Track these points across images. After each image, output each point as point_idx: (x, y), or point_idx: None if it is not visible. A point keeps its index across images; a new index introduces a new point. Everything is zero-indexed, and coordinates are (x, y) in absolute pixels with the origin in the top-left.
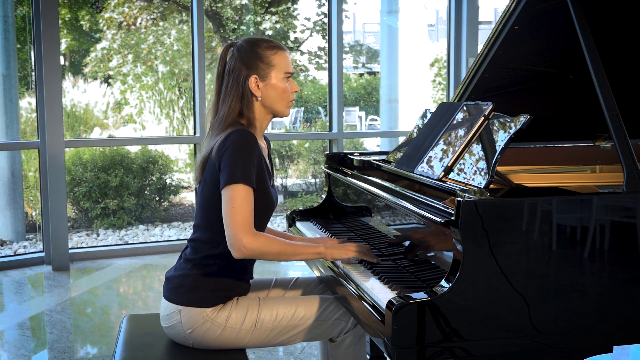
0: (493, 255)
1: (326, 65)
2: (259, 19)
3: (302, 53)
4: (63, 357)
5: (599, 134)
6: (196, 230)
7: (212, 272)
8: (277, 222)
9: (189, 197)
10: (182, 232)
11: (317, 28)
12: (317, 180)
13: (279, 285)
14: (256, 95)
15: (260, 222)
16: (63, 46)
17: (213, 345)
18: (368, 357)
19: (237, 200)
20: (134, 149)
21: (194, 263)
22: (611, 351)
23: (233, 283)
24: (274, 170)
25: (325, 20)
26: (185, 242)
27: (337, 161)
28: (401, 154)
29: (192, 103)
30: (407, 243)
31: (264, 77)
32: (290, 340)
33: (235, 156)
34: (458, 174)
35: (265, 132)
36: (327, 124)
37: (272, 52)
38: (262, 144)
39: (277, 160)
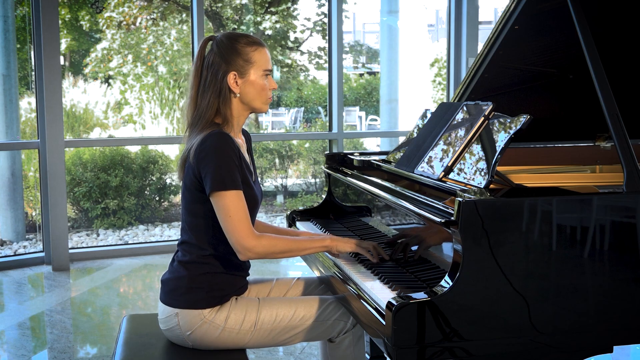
0: (493, 255)
1: (326, 65)
2: (259, 19)
3: (302, 53)
4: (63, 357)
5: (599, 134)
6: (184, 233)
7: (205, 272)
8: (277, 222)
9: None
10: None
11: (317, 28)
12: (317, 180)
13: (280, 286)
14: (234, 91)
15: None
16: (63, 46)
17: (213, 345)
18: (368, 357)
19: (231, 209)
20: (134, 149)
21: (186, 265)
22: (611, 351)
23: (228, 281)
24: (255, 165)
25: (325, 20)
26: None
27: (337, 161)
28: (401, 154)
29: None
30: (407, 243)
31: (242, 74)
32: (290, 341)
33: (217, 161)
34: (458, 174)
35: (265, 132)
36: (327, 124)
37: (252, 49)
38: (240, 139)
39: (277, 161)
